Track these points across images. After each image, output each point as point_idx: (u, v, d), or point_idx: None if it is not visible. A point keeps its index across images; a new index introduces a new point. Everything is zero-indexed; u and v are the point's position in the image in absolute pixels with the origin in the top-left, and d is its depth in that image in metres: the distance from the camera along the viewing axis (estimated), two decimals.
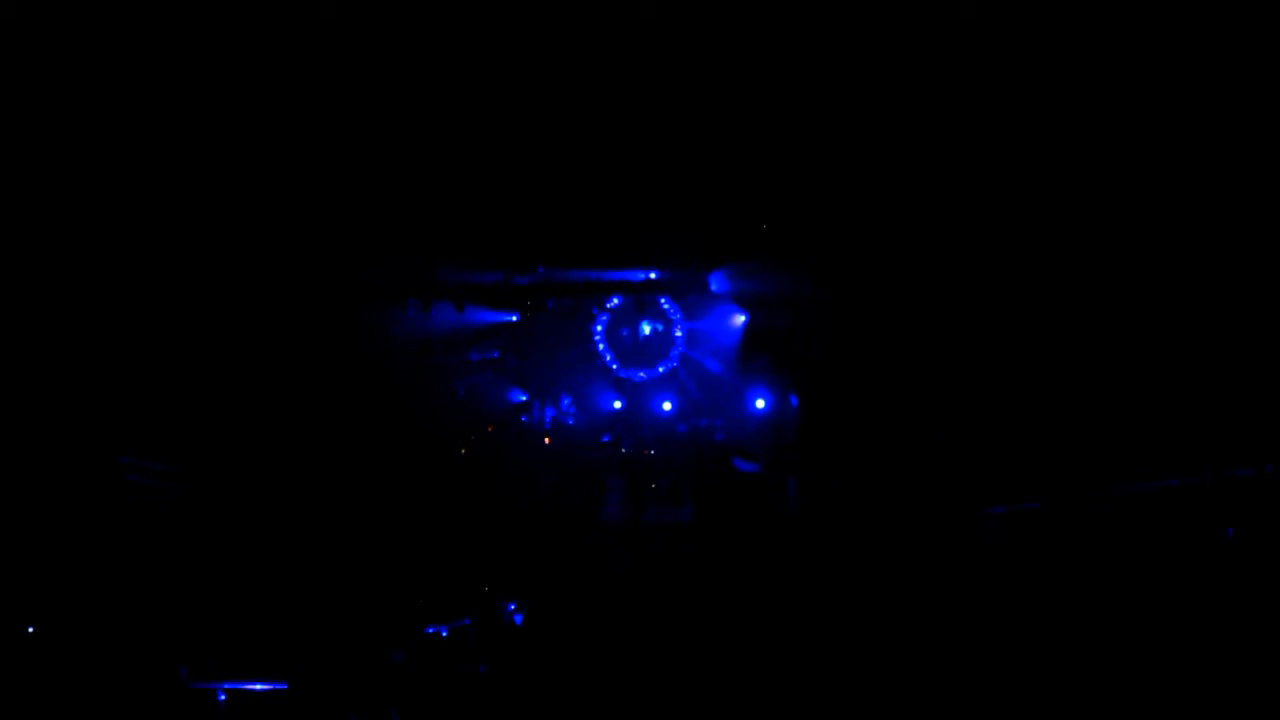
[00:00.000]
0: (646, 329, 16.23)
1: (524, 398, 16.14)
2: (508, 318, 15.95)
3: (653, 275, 15.76)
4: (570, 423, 16.00)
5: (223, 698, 7.56)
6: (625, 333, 16.26)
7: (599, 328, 16.19)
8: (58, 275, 10.04)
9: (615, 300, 16.13)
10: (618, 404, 16.09)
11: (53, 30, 8.21)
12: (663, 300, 16.12)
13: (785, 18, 8.66)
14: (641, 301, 16.06)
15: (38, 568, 8.96)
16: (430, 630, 10.07)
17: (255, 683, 7.68)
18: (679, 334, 16.15)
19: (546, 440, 15.79)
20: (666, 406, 15.97)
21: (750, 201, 13.00)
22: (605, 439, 15.72)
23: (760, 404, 15.48)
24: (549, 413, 16.04)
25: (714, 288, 15.65)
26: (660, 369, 16.20)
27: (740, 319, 15.88)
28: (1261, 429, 8.44)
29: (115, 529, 10.09)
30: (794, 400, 15.09)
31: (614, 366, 16.21)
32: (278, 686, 7.78)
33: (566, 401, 16.11)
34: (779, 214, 13.15)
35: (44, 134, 9.15)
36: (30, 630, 8.02)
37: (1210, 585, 8.00)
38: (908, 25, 8.53)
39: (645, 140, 11.46)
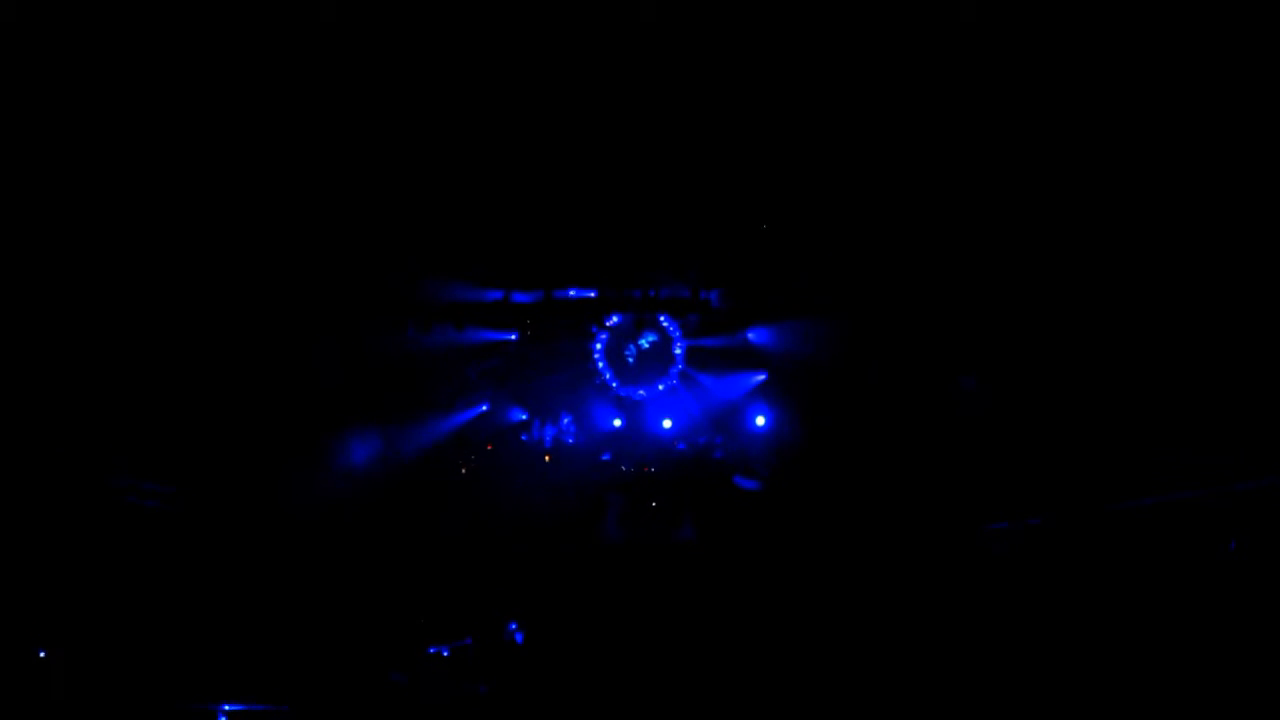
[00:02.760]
0: (646, 347, 16.22)
1: (523, 416, 16.11)
2: (507, 336, 15.96)
3: (652, 293, 15.80)
4: (570, 441, 15.97)
5: (223, 719, 7.52)
6: (625, 351, 16.25)
7: (598, 346, 16.19)
8: (55, 295, 10.05)
9: (615, 318, 16.14)
10: (617, 422, 16.06)
11: (52, 31, 8.22)
12: (662, 318, 16.13)
13: (784, 35, 8.72)
14: (641, 319, 16.06)
15: (38, 590, 8.92)
16: (432, 650, 10.04)
17: (256, 704, 7.65)
18: (679, 352, 16.15)
19: (546, 458, 15.75)
20: (666, 424, 15.94)
21: (751, 218, 13.05)
22: (605, 457, 15.70)
23: (760, 421, 15.47)
24: (549, 431, 16.01)
25: (714, 306, 15.68)
26: (660, 387, 16.18)
27: (741, 337, 15.88)
28: (1262, 442, 8.45)
29: (115, 550, 10.06)
30: (795, 417, 15.09)
31: (614, 385, 16.20)
32: (279, 708, 7.75)
33: (566, 420, 16.08)
34: (780, 229, 13.19)
35: (36, 155, 9.17)
36: (41, 655, 7.98)
37: (1213, 598, 7.99)
38: (908, 28, 8.57)
39: (644, 158, 11.51)
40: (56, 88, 8.65)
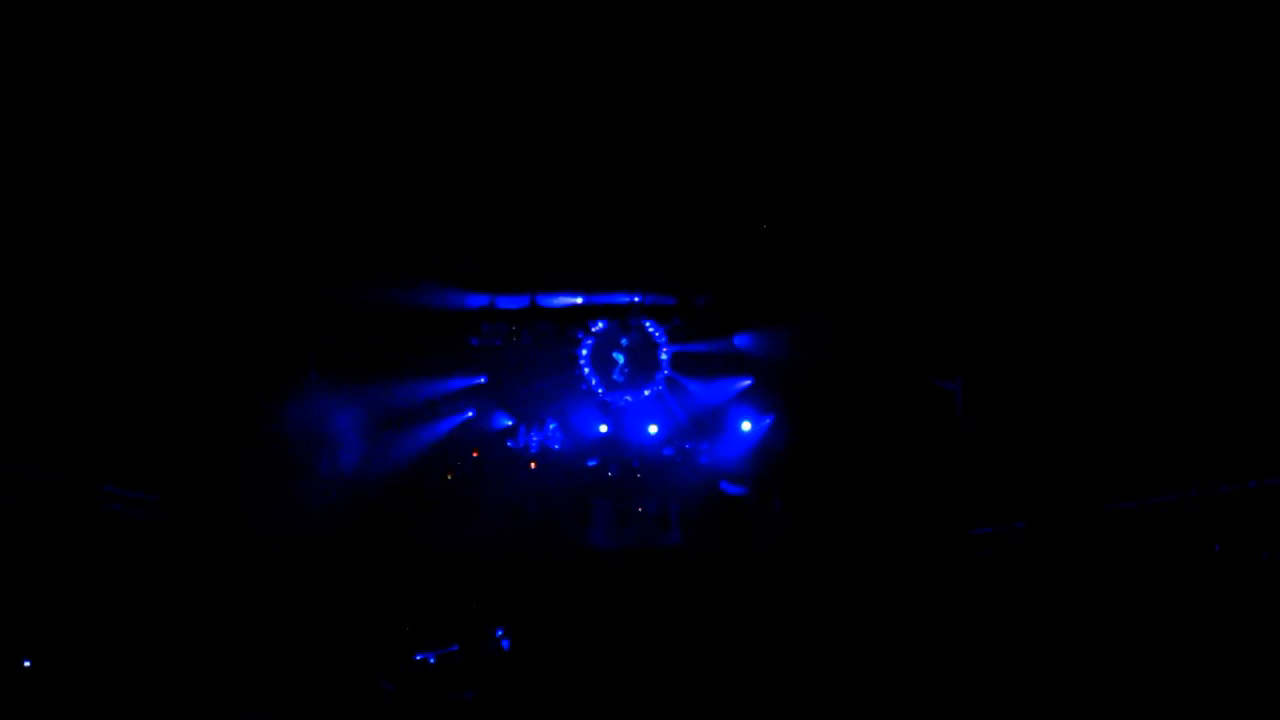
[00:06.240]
0: (631, 352, 16.23)
1: (509, 422, 16.09)
2: (492, 343, 15.94)
3: (636, 299, 15.82)
4: (556, 447, 15.95)
5: None
6: (610, 357, 16.25)
7: (584, 352, 16.19)
8: (41, 303, 9.99)
9: (600, 324, 16.15)
10: (603, 428, 16.06)
11: (51, 31, 8.16)
12: (647, 324, 16.15)
13: (771, 42, 8.76)
14: (626, 325, 16.08)
15: (21, 599, 8.85)
16: (419, 657, 10.02)
17: (245, 713, 7.61)
18: (664, 357, 16.17)
19: (532, 465, 15.74)
20: (652, 430, 15.95)
21: (739, 223, 13.09)
22: (591, 463, 15.70)
23: (746, 426, 15.51)
24: (535, 437, 15.98)
25: (700, 311, 15.72)
26: (645, 392, 16.19)
27: (726, 341, 15.92)
28: (1245, 446, 8.54)
29: (99, 560, 9.99)
30: (780, 422, 15.15)
31: (599, 390, 16.21)
32: (268, 716, 7.72)
33: (552, 426, 16.06)
34: (768, 234, 13.25)
35: (33, 161, 9.12)
36: (26, 664, 7.91)
37: (1198, 599, 8.08)
38: (908, 31, 8.60)
39: (630, 164, 11.54)
40: (50, 90, 8.60)
